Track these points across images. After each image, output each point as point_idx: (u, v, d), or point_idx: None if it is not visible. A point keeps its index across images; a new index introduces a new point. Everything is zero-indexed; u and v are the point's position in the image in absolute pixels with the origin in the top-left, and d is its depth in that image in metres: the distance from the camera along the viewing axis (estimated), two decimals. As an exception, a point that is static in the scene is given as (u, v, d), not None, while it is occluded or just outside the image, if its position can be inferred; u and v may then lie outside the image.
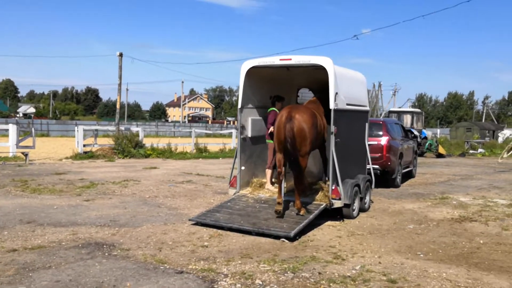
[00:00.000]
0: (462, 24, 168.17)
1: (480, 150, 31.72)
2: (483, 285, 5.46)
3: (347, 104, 9.10)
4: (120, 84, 25.73)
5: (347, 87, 9.18)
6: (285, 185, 9.17)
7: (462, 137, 38.80)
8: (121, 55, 25.81)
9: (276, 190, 8.47)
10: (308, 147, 8.06)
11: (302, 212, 7.99)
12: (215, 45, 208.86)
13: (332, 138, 8.42)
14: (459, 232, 8.18)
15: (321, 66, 8.53)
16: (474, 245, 7.35)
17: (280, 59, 9.06)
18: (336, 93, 8.48)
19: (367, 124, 10.47)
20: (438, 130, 50.02)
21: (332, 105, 8.39)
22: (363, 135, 10.32)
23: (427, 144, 26.79)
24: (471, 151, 31.26)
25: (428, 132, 28.86)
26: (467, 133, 40.59)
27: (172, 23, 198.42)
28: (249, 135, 9.72)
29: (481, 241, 7.58)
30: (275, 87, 10.30)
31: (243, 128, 9.60)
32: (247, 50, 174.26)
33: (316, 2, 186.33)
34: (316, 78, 9.51)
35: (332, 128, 8.41)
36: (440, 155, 26.97)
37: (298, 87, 11.19)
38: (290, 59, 8.94)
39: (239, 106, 9.48)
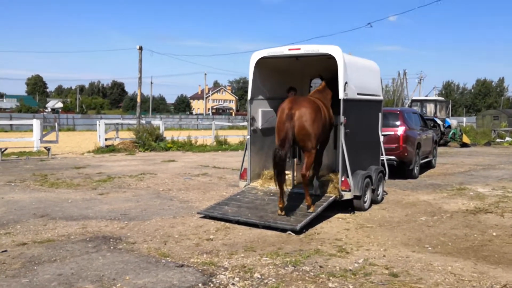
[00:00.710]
0: (491, 8, 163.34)
1: (507, 138, 30.88)
2: (488, 279, 5.32)
3: (358, 94, 8.96)
4: (140, 78, 25.97)
5: (358, 76, 9.02)
6: (295, 175, 9.15)
7: (489, 125, 37.77)
8: (140, 48, 26.02)
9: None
10: (313, 142, 7.81)
11: (311, 209, 7.79)
12: (239, 36, 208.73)
13: (342, 128, 8.31)
14: (472, 224, 7.99)
15: (331, 55, 8.41)
16: (486, 238, 7.16)
17: (289, 49, 8.98)
18: (346, 83, 8.35)
19: (380, 114, 10.29)
20: (464, 119, 48.89)
21: (341, 95, 8.27)
22: (376, 126, 10.15)
23: (450, 133, 26.22)
24: (498, 140, 30.45)
25: (452, 121, 28.23)
26: (495, 121, 39.54)
27: (196, 15, 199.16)
28: (260, 127, 9.67)
29: (494, 234, 7.38)
30: (285, 77, 10.23)
31: (253, 119, 9.56)
32: (272, 40, 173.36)
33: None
34: (328, 67, 9.37)
35: (342, 118, 8.30)
36: (464, 145, 26.37)
37: (311, 77, 11.07)
38: (299, 49, 8.85)
39: (249, 97, 9.44)
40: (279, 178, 7.60)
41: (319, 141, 8.14)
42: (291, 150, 8.18)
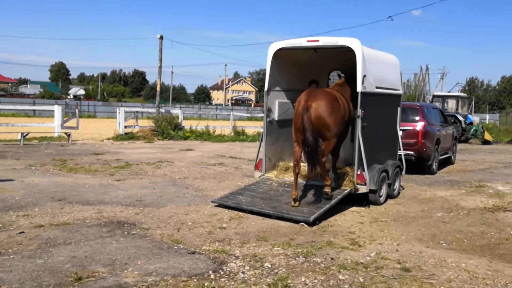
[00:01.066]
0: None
1: (531, 137, 30.20)
2: (503, 277, 5.23)
3: (377, 87, 8.86)
4: (160, 67, 26.12)
5: (376, 69, 8.92)
6: (310, 170, 9.09)
7: (512, 123, 37.04)
8: (161, 38, 26.14)
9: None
10: (332, 132, 7.81)
11: (328, 190, 7.87)
12: (260, 27, 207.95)
13: (359, 122, 8.24)
14: (490, 222, 7.86)
15: (349, 47, 8.32)
16: (503, 236, 7.04)
17: (308, 41, 8.91)
18: (364, 76, 8.27)
19: (399, 109, 10.15)
20: (487, 116, 47.99)
21: (359, 88, 8.19)
22: (395, 120, 10.02)
23: (472, 130, 25.78)
24: (521, 138, 29.81)
25: (474, 118, 27.73)
26: (518, 119, 38.72)
27: (216, 7, 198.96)
28: (276, 118, 9.64)
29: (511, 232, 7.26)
30: (303, 69, 10.16)
31: (269, 111, 9.54)
32: (292, 32, 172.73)
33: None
34: (346, 60, 9.27)
35: (359, 111, 8.22)
36: (486, 142, 25.91)
37: (330, 70, 10.98)
38: (318, 41, 8.78)
39: (266, 88, 9.41)
40: (295, 169, 7.69)
41: (338, 132, 8.06)
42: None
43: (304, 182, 8.77)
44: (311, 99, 7.71)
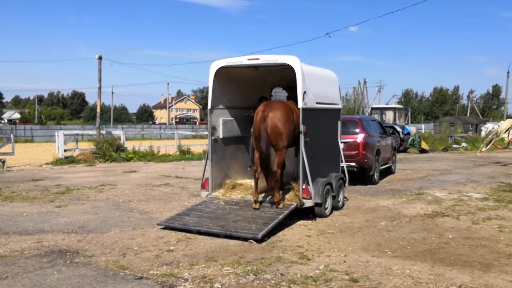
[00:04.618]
0: (446, 20, 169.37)
1: (463, 144, 31.94)
2: (445, 280, 5.45)
3: (317, 103, 9.08)
4: (100, 88, 25.44)
5: (316, 85, 9.15)
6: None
7: (446, 132, 39.03)
8: (100, 58, 25.52)
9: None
10: (285, 141, 8.40)
11: (281, 205, 8.31)
12: (202, 45, 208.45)
13: (302, 137, 8.40)
14: (430, 228, 8.19)
15: (289, 65, 8.50)
16: (443, 241, 7.35)
17: (248, 59, 9.02)
18: (305, 92, 8.45)
19: (339, 122, 10.44)
20: (423, 126, 50.26)
21: (300, 104, 8.36)
22: (336, 133, 10.29)
23: (410, 139, 26.89)
24: (454, 146, 31.45)
25: (411, 128, 28.97)
26: (451, 128, 40.86)
27: (157, 25, 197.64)
28: (221, 136, 9.65)
29: (450, 236, 7.59)
30: (246, 87, 10.25)
31: (214, 129, 9.54)
32: (234, 50, 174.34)
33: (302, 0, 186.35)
34: (287, 77, 9.46)
35: (301, 127, 8.39)
36: (423, 151, 27.09)
37: (271, 86, 11.15)
38: (258, 59, 8.91)
39: (209, 107, 9.42)
40: (255, 174, 8.45)
41: (290, 142, 8.57)
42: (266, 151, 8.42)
43: (252, 199, 8.79)
44: (267, 109, 8.37)
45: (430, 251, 6.80)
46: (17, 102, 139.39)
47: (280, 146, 8.39)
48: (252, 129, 8.68)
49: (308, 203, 8.44)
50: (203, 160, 21.79)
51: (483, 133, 39.84)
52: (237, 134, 10.11)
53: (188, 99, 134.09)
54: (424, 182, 14.17)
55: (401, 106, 32.00)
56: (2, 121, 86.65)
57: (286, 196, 8.75)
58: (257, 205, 8.40)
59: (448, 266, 6.06)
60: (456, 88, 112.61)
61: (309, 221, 8.60)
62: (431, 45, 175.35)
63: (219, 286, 5.22)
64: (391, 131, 23.95)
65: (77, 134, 24.18)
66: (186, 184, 13.72)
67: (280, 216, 7.85)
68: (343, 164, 10.42)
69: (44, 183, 13.74)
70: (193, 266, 5.98)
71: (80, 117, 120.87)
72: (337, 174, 9.87)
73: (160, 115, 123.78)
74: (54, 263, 6.09)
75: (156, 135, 51.02)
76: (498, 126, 22.01)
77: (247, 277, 5.53)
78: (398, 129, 26.49)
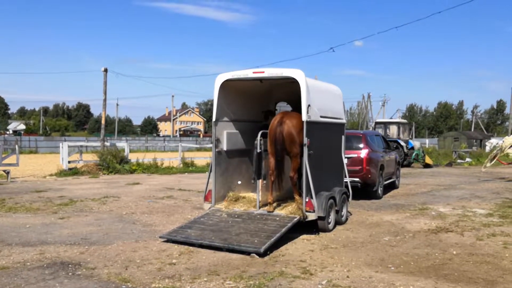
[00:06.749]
0: (451, 35, 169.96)
1: (467, 159, 31.85)
2: (448, 298, 5.40)
3: (321, 117, 9.10)
4: (105, 100, 25.66)
5: (320, 99, 9.18)
6: (260, 199, 9.11)
7: (450, 146, 38.96)
8: (105, 70, 25.77)
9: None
10: (298, 148, 8.63)
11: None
12: (207, 58, 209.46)
13: (305, 150, 8.41)
14: (434, 243, 8.14)
15: (294, 79, 8.54)
16: (447, 256, 7.30)
17: (253, 72, 9.08)
18: (309, 105, 8.48)
19: (343, 137, 10.44)
20: (427, 140, 50.18)
21: (304, 117, 8.39)
22: (340, 148, 10.28)
23: (413, 154, 26.84)
24: (458, 161, 31.36)
25: (415, 143, 28.93)
26: (455, 143, 40.80)
27: (163, 38, 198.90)
28: (225, 149, 9.67)
29: (454, 252, 7.53)
30: (250, 100, 10.30)
31: (218, 141, 9.56)
32: (239, 63, 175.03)
33: (310, 14, 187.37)
34: (292, 90, 9.50)
35: (305, 140, 8.40)
36: (427, 165, 27.02)
37: (276, 100, 11.20)
38: (263, 72, 8.97)
39: (214, 119, 9.46)
40: (270, 177, 8.82)
41: (301, 151, 8.64)
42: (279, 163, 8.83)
43: (254, 212, 8.79)
44: (286, 116, 8.83)
45: (433, 267, 6.74)
46: (22, 113, 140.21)
47: (294, 152, 8.68)
48: (268, 134, 8.90)
49: (311, 216, 8.41)
50: (207, 172, 21.88)
51: (487, 148, 39.72)
52: (241, 147, 10.12)
53: (193, 112, 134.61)
54: (428, 197, 14.11)
55: (405, 121, 32.02)
56: (8, 132, 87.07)
57: (289, 208, 8.73)
58: (272, 208, 8.74)
59: (452, 282, 6.01)
60: (461, 103, 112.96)
61: (312, 236, 8.56)
62: (435, 59, 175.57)
63: (221, 300, 5.18)
64: (395, 146, 23.93)
65: (81, 146, 24.26)
66: (189, 196, 13.71)
67: (283, 229, 7.81)
68: (347, 179, 10.39)
69: (47, 195, 13.76)
70: (195, 280, 5.95)
71: (84, 129, 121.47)
72: (341, 188, 9.84)
73: (165, 127, 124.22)
74: (56, 275, 6.08)
75: (160, 147, 51.12)
76: (503, 141, 21.98)
77: (249, 291, 5.49)
78: (402, 143, 26.46)
